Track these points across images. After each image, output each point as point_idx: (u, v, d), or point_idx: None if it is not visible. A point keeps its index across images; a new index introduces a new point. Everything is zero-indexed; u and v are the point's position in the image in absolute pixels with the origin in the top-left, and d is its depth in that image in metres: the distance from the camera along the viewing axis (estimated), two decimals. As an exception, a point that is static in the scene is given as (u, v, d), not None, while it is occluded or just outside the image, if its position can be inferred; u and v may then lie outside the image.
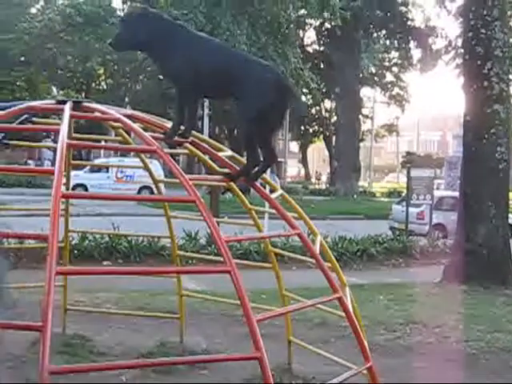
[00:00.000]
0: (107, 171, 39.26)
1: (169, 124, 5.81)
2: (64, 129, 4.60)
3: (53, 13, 17.42)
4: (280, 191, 6.12)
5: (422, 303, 12.24)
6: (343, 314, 7.12)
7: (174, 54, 5.21)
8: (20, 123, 6.38)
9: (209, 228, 4.39)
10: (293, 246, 15.50)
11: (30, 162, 57.35)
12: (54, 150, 4.85)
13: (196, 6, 15.32)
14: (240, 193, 6.87)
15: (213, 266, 10.82)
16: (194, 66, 5.17)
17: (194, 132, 5.66)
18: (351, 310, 5.48)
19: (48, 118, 7.58)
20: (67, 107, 5.09)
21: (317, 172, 77.44)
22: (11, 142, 7.76)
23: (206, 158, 6.30)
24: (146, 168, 8.38)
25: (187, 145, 5.69)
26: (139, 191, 37.96)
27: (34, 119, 6.77)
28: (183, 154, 7.04)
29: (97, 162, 39.48)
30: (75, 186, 34.10)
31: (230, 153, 6.06)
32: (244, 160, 5.90)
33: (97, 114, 5.56)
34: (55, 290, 10.00)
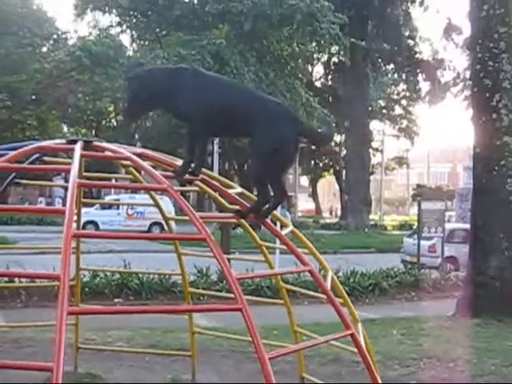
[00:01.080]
0: (118, 208, 39.39)
1: (179, 162, 5.85)
2: (75, 169, 4.63)
3: (63, 53, 17.62)
4: (290, 227, 6.13)
5: (435, 337, 12.14)
6: (356, 350, 7.09)
7: (183, 97, 5.23)
8: (31, 162, 6.42)
9: (220, 265, 4.39)
10: (305, 281, 15.46)
11: (41, 199, 57.63)
12: (65, 188, 4.89)
13: (204, 46, 15.39)
14: (250, 229, 6.88)
15: (224, 302, 10.82)
16: (204, 106, 5.18)
17: (203, 169, 5.69)
18: (364, 345, 5.44)
19: (58, 156, 7.62)
20: (78, 147, 5.12)
21: (331, 206, 77.54)
22: (22, 182, 7.81)
23: (216, 194, 6.31)
24: (157, 205, 8.40)
25: (197, 182, 5.71)
26: (150, 228, 38.07)
27: (45, 158, 6.82)
28: (193, 191, 7.07)
29: (107, 198, 39.61)
30: (86, 223, 34.19)
31: (239, 190, 6.08)
32: (253, 196, 5.91)
33: (107, 153, 5.59)
34: (67, 329, 9.96)
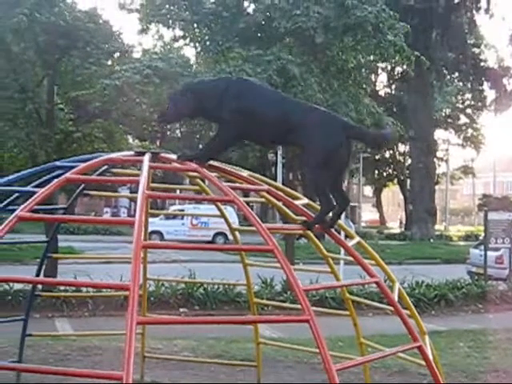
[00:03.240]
0: (182, 218, 39.68)
1: (244, 173, 5.87)
2: (143, 180, 4.69)
3: (131, 71, 17.95)
4: (357, 238, 6.09)
5: (503, 350, 11.92)
6: (422, 362, 7.00)
7: (230, 109, 5.30)
8: (100, 174, 6.54)
9: (287, 277, 4.39)
10: (370, 293, 15.37)
11: (107, 209, 58.50)
12: (131, 199, 4.94)
13: (270, 61, 15.33)
14: (316, 239, 6.87)
15: (288, 313, 10.84)
16: (253, 116, 5.26)
17: (269, 180, 5.72)
18: (431, 358, 5.37)
19: (126, 168, 7.71)
20: (146, 159, 5.18)
21: (401, 216, 76.84)
22: (91, 193, 7.94)
23: (281, 204, 6.32)
24: (223, 216, 8.44)
25: (263, 193, 5.73)
26: (214, 238, 38.30)
27: (113, 169, 6.93)
28: (259, 202, 7.09)
29: (172, 209, 39.99)
30: (151, 233, 34.55)
31: (305, 201, 6.07)
32: (319, 207, 5.91)
33: (174, 164, 5.65)
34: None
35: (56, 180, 4.93)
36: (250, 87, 5.53)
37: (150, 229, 34.69)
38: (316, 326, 4.19)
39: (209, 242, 37.05)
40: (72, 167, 5.42)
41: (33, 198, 4.63)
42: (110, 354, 10.41)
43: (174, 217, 39.93)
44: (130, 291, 3.96)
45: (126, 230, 41.11)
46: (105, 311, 15.50)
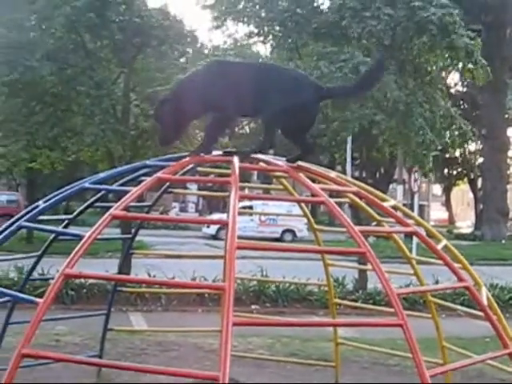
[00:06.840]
0: (251, 214, 39.67)
1: (332, 173, 5.86)
2: (236, 181, 4.70)
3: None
4: (444, 241, 6.01)
5: None
6: (502, 366, 6.90)
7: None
8: (183, 173, 6.61)
9: (380, 281, 4.35)
10: (443, 294, 15.17)
11: (175, 204, 59.13)
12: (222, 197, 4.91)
13: (345, 60, 15.18)
14: (399, 241, 6.83)
15: (360, 312, 10.76)
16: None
17: (357, 182, 5.69)
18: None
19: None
20: (236, 159, 5.18)
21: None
22: (174, 191, 8.03)
23: (363, 203, 6.27)
24: (306, 215, 8.44)
25: (350, 195, 5.70)
26: (282, 234, 38.32)
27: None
28: (345, 203, 7.07)
29: (240, 205, 40.09)
30: (219, 229, 34.78)
31: (392, 202, 6.01)
32: (406, 210, 5.84)
33: (261, 164, 5.67)
34: (210, 335, 10.13)
35: (148, 179, 4.98)
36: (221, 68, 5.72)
37: (219, 225, 34.78)
38: (410, 330, 4.15)
39: (277, 239, 37.07)
40: (160, 166, 5.49)
41: (126, 196, 4.70)
42: (185, 350, 10.54)
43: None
44: (225, 292, 3.98)
45: (193, 225, 41.42)
46: (177, 306, 15.68)
